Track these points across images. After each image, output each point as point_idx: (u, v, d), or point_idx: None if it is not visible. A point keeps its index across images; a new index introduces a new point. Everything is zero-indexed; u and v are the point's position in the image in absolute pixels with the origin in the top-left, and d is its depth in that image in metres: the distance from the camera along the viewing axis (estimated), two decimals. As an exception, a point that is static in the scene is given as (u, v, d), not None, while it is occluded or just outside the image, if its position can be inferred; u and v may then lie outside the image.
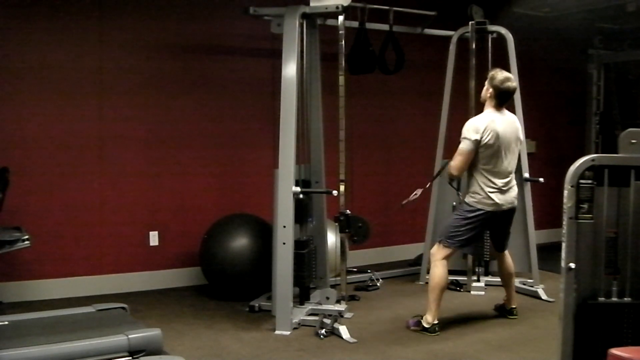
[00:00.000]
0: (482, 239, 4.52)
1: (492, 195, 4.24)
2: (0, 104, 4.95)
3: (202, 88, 5.70)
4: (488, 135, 4.18)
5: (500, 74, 4.29)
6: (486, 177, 4.25)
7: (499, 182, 4.26)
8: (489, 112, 4.29)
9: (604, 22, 7.12)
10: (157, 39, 5.53)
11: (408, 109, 6.67)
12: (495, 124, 4.22)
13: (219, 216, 5.35)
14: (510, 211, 4.40)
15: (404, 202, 4.61)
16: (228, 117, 5.82)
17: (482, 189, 4.25)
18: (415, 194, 4.62)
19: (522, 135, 4.52)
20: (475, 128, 4.20)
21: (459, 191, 4.67)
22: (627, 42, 7.46)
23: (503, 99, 4.29)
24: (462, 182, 4.64)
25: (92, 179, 5.32)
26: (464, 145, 4.22)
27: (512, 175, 4.36)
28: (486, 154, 4.22)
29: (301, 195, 4.56)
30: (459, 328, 4.47)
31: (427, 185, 4.81)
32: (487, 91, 4.32)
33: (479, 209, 4.26)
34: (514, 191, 4.38)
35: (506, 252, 4.67)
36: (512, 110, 5.33)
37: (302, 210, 4.65)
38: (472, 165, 4.30)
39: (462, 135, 4.25)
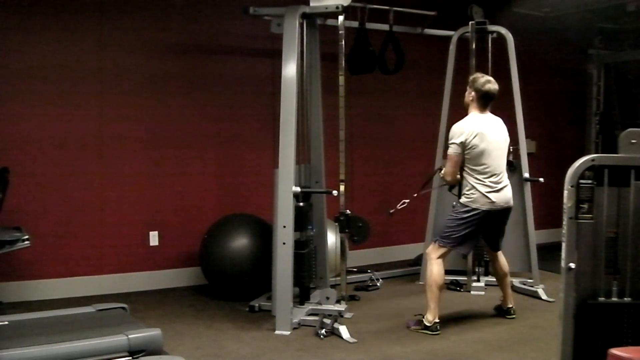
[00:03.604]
0: (478, 238, 4.56)
1: (488, 194, 4.28)
2: (0, 104, 4.95)
3: (202, 88, 5.70)
4: (473, 137, 4.25)
5: (481, 78, 4.40)
6: (478, 177, 4.30)
7: (491, 180, 4.31)
8: (473, 114, 4.37)
9: (604, 22, 7.12)
10: (157, 39, 5.52)
11: (408, 109, 6.67)
12: (480, 125, 4.29)
13: (219, 216, 5.35)
14: (506, 210, 4.43)
15: (392, 210, 4.81)
16: (228, 117, 5.82)
17: (476, 189, 4.29)
18: (404, 203, 4.78)
19: (507, 136, 4.54)
20: (459, 131, 4.29)
21: (459, 196, 4.56)
22: (627, 42, 7.46)
23: (485, 102, 4.37)
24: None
25: (92, 179, 5.33)
26: (452, 150, 4.33)
27: (504, 174, 4.41)
28: (474, 154, 4.27)
29: (301, 204, 4.56)
30: (459, 328, 4.48)
31: (415, 195, 4.84)
32: (469, 95, 4.41)
33: (474, 209, 4.30)
34: (509, 190, 4.42)
35: (500, 252, 4.68)
36: (512, 110, 5.36)
37: (303, 218, 4.62)
38: (466, 168, 4.36)
39: (449, 141, 4.35)
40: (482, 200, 4.29)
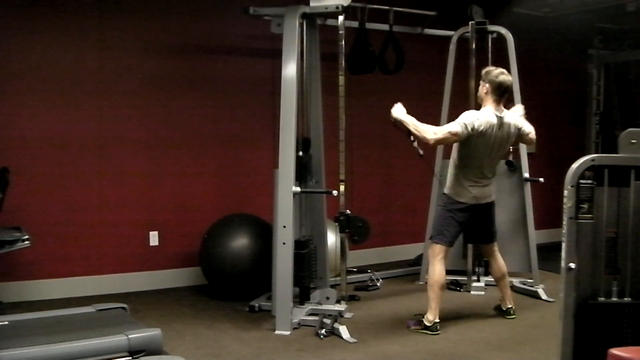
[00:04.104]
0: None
1: (470, 188, 4.32)
2: (0, 104, 4.95)
3: (202, 88, 5.70)
4: (480, 132, 4.19)
5: (495, 70, 4.35)
6: (464, 171, 4.32)
7: (477, 176, 4.33)
8: (489, 109, 4.29)
9: (604, 22, 7.12)
10: (157, 39, 5.53)
11: (408, 109, 6.64)
12: (493, 125, 4.23)
13: (219, 216, 5.35)
14: (489, 204, 4.48)
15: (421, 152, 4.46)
16: (228, 117, 5.82)
17: (461, 183, 4.33)
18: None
19: (527, 127, 4.46)
20: (474, 121, 4.19)
21: (420, 149, 4.49)
22: (627, 42, 7.47)
23: (500, 93, 4.29)
24: (443, 170, 4.74)
25: (92, 179, 5.33)
26: (459, 128, 4.16)
27: (493, 174, 4.43)
28: (471, 149, 4.25)
29: (301, 153, 4.61)
30: (459, 328, 4.48)
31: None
32: (483, 88, 4.34)
33: (459, 202, 4.34)
34: (493, 186, 4.46)
35: (497, 253, 4.70)
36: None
37: (303, 170, 4.65)
38: (455, 159, 4.37)
39: (460, 119, 4.21)
40: (465, 194, 4.33)
